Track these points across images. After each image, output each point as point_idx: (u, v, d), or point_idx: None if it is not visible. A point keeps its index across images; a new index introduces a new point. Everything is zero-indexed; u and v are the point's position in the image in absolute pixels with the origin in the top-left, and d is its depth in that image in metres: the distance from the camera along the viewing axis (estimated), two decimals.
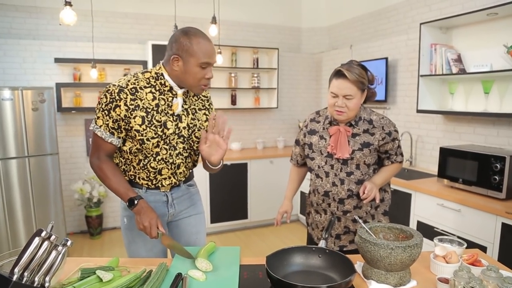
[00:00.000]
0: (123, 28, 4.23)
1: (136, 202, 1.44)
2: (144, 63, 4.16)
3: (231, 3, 4.53)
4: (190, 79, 1.43)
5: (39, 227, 3.26)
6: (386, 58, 3.69)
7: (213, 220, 4.19)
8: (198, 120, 1.58)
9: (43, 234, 0.98)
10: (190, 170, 1.68)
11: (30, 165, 3.35)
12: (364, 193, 1.65)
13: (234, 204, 4.31)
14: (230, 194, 4.27)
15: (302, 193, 4.45)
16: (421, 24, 2.99)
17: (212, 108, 1.66)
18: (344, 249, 1.80)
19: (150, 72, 1.48)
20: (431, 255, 1.37)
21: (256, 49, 4.64)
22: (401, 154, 1.85)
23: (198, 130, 1.57)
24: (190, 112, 1.55)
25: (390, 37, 3.82)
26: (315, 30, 5.11)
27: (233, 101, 4.68)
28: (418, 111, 3.09)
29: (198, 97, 1.60)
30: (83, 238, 4.08)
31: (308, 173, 1.95)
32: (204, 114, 1.61)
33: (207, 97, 1.65)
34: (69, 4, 2.30)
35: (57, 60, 3.86)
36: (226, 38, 4.55)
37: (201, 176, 3.99)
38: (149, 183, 1.55)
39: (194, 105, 1.58)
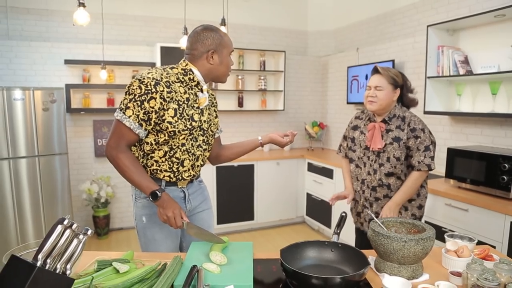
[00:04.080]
0: (132, 31, 4.29)
1: (159, 194, 1.46)
2: (152, 65, 4.21)
3: (238, 6, 4.57)
4: (223, 69, 1.59)
5: (48, 226, 3.30)
6: (393, 61, 3.70)
7: (219, 221, 4.21)
8: (212, 116, 1.69)
9: (65, 222, 1.00)
10: (202, 166, 1.72)
11: (40, 165, 3.39)
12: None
13: (241, 205, 4.33)
14: (237, 195, 4.28)
15: (308, 195, 4.46)
16: (428, 26, 3.01)
17: (217, 106, 1.78)
18: None
19: (177, 68, 1.54)
20: (443, 250, 1.38)
21: (263, 51, 4.68)
22: (428, 158, 1.91)
23: (214, 125, 1.69)
24: (207, 108, 1.65)
25: (396, 40, 3.84)
26: (321, 33, 5.14)
27: (240, 103, 4.71)
28: (425, 112, 3.10)
29: (209, 94, 1.68)
30: (90, 238, 4.02)
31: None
32: (214, 110, 1.73)
33: (214, 95, 1.76)
34: (83, 5, 2.35)
35: (67, 62, 3.91)
36: (234, 40, 4.50)
37: (208, 177, 4.02)
38: (171, 175, 1.57)
39: (208, 102, 1.67)
